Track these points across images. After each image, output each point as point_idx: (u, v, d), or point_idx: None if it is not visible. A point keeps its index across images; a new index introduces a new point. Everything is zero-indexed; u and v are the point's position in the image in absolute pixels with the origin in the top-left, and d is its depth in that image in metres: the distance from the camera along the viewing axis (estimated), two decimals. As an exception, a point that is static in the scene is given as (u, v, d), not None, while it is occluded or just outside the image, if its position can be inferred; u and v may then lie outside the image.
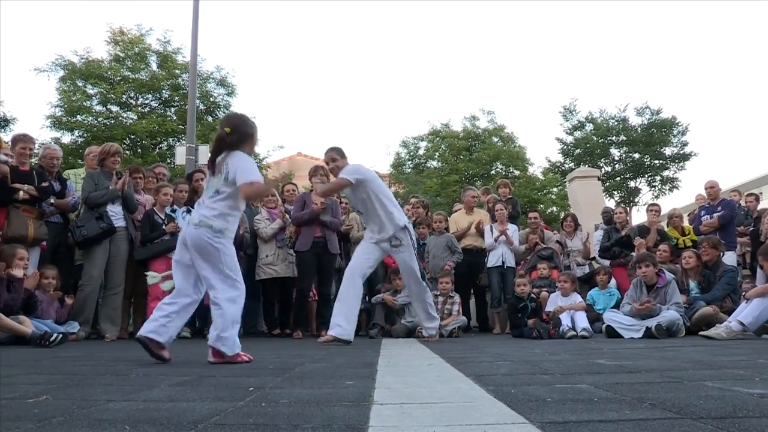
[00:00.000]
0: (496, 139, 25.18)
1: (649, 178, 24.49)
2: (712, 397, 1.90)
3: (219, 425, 1.52)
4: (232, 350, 3.23)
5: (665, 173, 24.29)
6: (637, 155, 24.22)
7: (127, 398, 2.00)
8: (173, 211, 6.56)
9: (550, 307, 6.57)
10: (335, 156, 5.39)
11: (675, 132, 23.92)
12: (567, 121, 24.98)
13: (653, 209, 8.26)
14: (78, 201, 6.34)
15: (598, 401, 1.87)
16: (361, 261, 5.32)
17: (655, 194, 24.02)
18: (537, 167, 25.86)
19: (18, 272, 5.10)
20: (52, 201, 6.15)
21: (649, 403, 1.81)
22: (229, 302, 3.27)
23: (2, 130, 8.43)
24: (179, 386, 2.30)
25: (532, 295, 6.65)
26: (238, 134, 3.41)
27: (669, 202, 28.36)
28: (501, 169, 24.69)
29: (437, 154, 25.47)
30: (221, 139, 3.42)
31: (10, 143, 6.36)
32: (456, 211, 9.05)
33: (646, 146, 23.68)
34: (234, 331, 3.26)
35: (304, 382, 2.41)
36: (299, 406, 1.82)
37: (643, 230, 8.02)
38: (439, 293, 6.92)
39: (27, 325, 4.90)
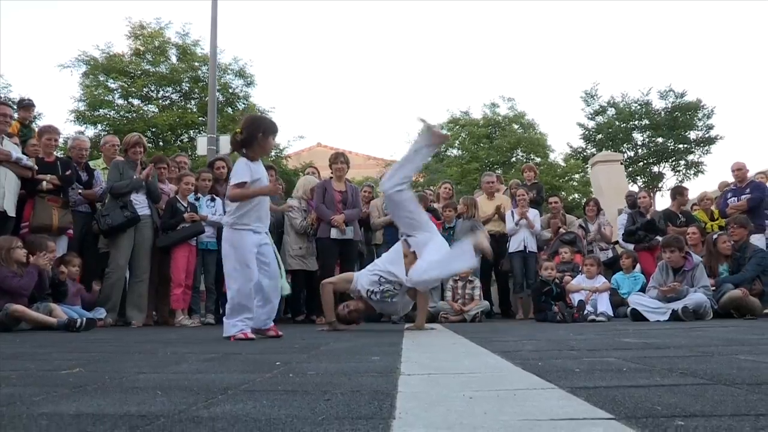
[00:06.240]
0: (516, 126, 24.90)
1: (673, 163, 24.11)
2: (746, 368, 1.87)
3: (249, 391, 1.54)
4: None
5: (690, 157, 23.89)
6: (660, 139, 23.80)
7: (156, 371, 2.03)
8: (197, 199, 6.62)
9: (576, 293, 6.54)
10: None
11: (700, 115, 23.47)
12: (588, 105, 24.68)
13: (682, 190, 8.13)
14: (104, 190, 6.44)
15: (627, 371, 1.85)
16: None
17: (680, 179, 23.63)
18: (558, 154, 25.59)
19: (42, 262, 5.18)
20: (79, 191, 6.25)
21: (679, 372, 1.78)
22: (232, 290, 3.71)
23: (33, 123, 8.56)
24: (207, 362, 2.33)
25: (556, 279, 6.61)
26: (246, 133, 3.77)
27: (694, 187, 27.83)
28: (522, 156, 24.41)
29: (457, 142, 25.26)
30: (233, 141, 3.87)
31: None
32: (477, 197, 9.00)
33: (669, 130, 23.26)
34: (232, 318, 3.68)
35: (330, 358, 2.42)
36: (327, 376, 1.83)
37: (668, 215, 7.89)
38: (458, 277, 6.89)
39: (57, 314, 4.97)
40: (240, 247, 3.69)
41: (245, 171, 3.71)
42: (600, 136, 24.28)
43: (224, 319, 3.79)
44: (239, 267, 3.67)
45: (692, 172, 23.75)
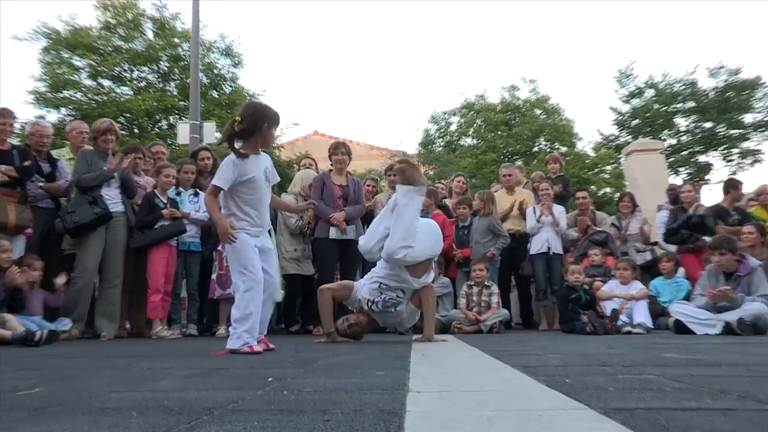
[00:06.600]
0: (539, 112, 24.93)
1: (725, 151, 23.80)
2: (814, 392, 1.84)
3: (237, 411, 1.54)
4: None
5: (745, 145, 23.56)
6: (708, 124, 23.54)
7: (131, 389, 2.03)
8: (178, 194, 6.62)
9: (608, 301, 6.50)
10: None
11: (759, 95, 22.83)
12: (623, 87, 24.62)
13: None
14: (70, 184, 6.43)
15: (671, 391, 1.84)
16: None
17: (732, 170, 23.28)
18: (587, 143, 25.56)
19: None
20: (40, 184, 6.25)
21: (735, 395, 1.76)
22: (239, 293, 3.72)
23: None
24: (189, 378, 2.34)
25: (585, 285, 6.59)
26: (247, 123, 3.75)
27: (750, 179, 27.54)
28: (545, 145, 24.45)
29: (471, 130, 25.33)
30: (229, 130, 3.80)
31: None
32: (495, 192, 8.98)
33: (720, 113, 22.86)
34: (239, 326, 3.69)
35: (329, 373, 2.43)
36: (326, 393, 1.84)
37: (719, 212, 7.81)
38: (473, 283, 6.88)
39: (12, 325, 4.90)
40: (239, 249, 3.73)
41: (227, 173, 3.72)
42: (636, 121, 24.23)
43: (230, 328, 3.86)
44: (242, 269, 3.72)
45: (748, 161, 23.48)
